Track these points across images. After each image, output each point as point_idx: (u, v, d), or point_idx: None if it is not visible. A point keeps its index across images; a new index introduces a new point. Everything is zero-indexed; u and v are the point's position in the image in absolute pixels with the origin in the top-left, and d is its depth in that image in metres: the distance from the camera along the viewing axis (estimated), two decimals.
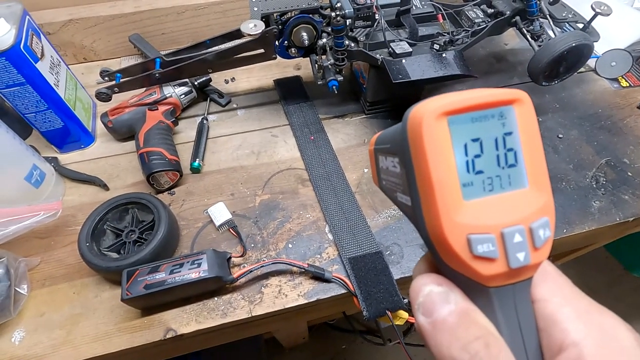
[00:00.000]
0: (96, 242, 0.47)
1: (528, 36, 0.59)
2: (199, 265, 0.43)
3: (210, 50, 0.57)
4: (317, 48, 0.55)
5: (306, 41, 0.54)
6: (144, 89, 0.62)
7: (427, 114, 0.17)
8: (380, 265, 0.49)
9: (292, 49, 0.56)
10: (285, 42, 0.55)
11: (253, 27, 0.48)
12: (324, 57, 0.55)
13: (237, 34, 0.58)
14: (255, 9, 0.52)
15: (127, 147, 0.62)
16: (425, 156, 0.17)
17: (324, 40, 0.53)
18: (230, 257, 0.47)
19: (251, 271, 0.46)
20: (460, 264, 0.17)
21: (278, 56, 0.58)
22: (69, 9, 0.69)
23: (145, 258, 0.45)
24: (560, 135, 0.64)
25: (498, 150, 0.18)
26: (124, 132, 0.61)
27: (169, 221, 0.48)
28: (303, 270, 0.47)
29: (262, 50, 0.57)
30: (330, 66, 0.53)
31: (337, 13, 0.49)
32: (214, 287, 0.45)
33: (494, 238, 0.17)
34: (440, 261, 0.18)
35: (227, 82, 0.72)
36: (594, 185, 0.58)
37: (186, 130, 0.64)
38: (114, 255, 0.48)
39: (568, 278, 0.20)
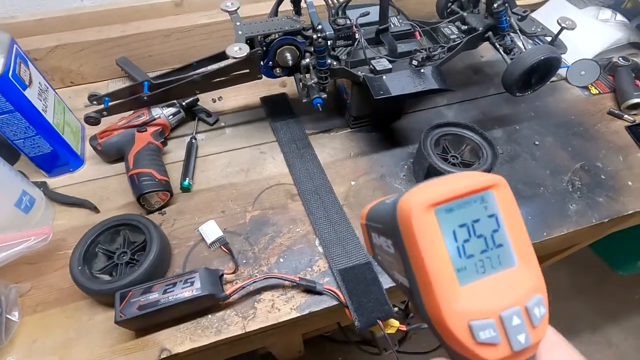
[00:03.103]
0: (88, 265, 0.47)
1: (501, 50, 0.62)
2: (192, 283, 0.44)
3: (197, 72, 0.59)
4: (301, 67, 0.57)
5: (290, 61, 0.56)
6: (132, 112, 0.63)
7: (415, 207, 0.18)
8: (370, 275, 0.50)
9: (277, 69, 0.58)
10: (270, 62, 0.57)
11: (238, 50, 0.50)
12: (307, 75, 0.58)
13: (224, 55, 0.59)
14: (240, 32, 0.54)
15: (116, 169, 0.63)
16: (418, 247, 0.18)
17: (307, 59, 0.55)
18: (222, 274, 0.48)
19: (243, 287, 0.47)
20: (464, 350, 0.18)
21: (263, 76, 0.59)
22: (56, 35, 0.70)
23: (137, 279, 0.45)
24: (536, 142, 0.67)
25: (485, 233, 0.19)
26: (113, 154, 0.61)
27: (161, 241, 0.49)
28: (295, 283, 0.48)
29: (247, 71, 0.58)
30: (314, 84, 0.55)
31: (319, 35, 0.51)
32: (208, 305, 0.46)
33: (494, 323, 0.18)
34: (443, 344, 0.19)
35: (214, 101, 0.73)
36: (570, 189, 0.60)
37: (175, 150, 0.65)
38: (106, 277, 0.48)
39: (574, 348, 0.21)
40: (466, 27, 0.64)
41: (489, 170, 0.56)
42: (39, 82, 0.57)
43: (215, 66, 0.59)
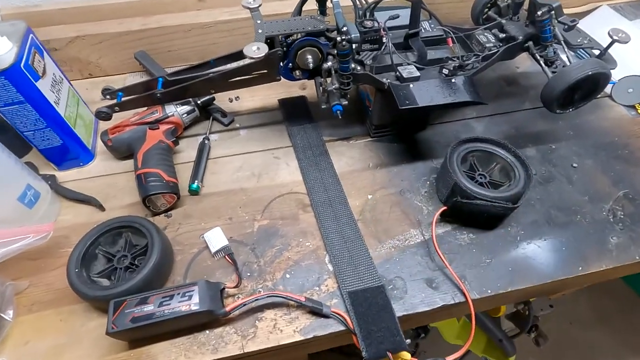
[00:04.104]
0: (86, 267, 0.45)
1: (541, 62, 0.57)
2: (190, 297, 0.41)
3: (213, 70, 0.56)
4: (322, 71, 0.53)
5: (311, 64, 0.52)
6: (145, 108, 0.61)
7: None
8: (382, 300, 0.46)
9: (297, 71, 0.55)
10: (290, 64, 0.54)
11: (256, 50, 0.47)
12: (329, 80, 0.54)
13: (242, 54, 0.56)
14: (260, 31, 0.51)
15: (126, 166, 0.61)
16: None
17: (329, 63, 0.52)
18: (224, 288, 0.45)
19: (245, 304, 0.43)
20: None
21: (282, 78, 0.56)
22: (77, 26, 0.69)
23: (135, 287, 0.43)
24: (574, 165, 0.61)
25: None
26: (123, 151, 0.60)
27: (163, 247, 0.46)
28: (300, 304, 0.45)
29: (266, 71, 0.55)
30: (334, 90, 0.52)
31: (343, 37, 0.47)
32: (205, 320, 0.43)
33: None
34: None
35: (231, 100, 0.71)
36: (611, 220, 0.54)
37: (187, 150, 0.63)
38: (105, 281, 0.46)
39: None
40: (504, 35, 0.59)
41: (521, 194, 0.51)
42: (54, 73, 0.55)
43: (232, 65, 0.56)
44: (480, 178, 0.54)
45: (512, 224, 0.54)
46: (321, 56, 0.53)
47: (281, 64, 0.55)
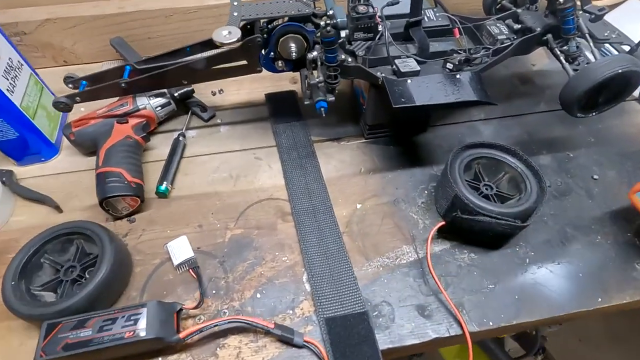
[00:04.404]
0: (28, 279, 0.40)
1: (562, 58, 0.50)
2: (136, 322, 0.35)
3: (186, 59, 0.50)
4: (307, 61, 0.47)
5: (294, 54, 0.46)
6: (117, 98, 0.55)
7: None
8: (365, 330, 0.40)
9: (279, 62, 0.48)
10: (272, 53, 0.48)
11: (227, 34, 0.40)
12: (315, 73, 0.47)
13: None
14: (235, 13, 0.44)
15: (92, 163, 0.55)
16: None
17: (315, 53, 0.45)
18: (181, 309, 0.39)
19: (202, 331, 0.37)
20: None
21: (264, 69, 0.50)
22: (48, 8, 0.64)
23: (77, 305, 0.37)
24: (595, 176, 0.53)
25: None
26: (88, 146, 0.54)
27: (116, 258, 0.41)
28: (268, 331, 0.39)
29: (245, 62, 0.49)
30: (319, 84, 0.45)
31: (327, 22, 0.40)
32: (155, 348, 0.37)
33: None
34: None
35: (214, 94, 0.65)
36: (637, 242, 0.47)
37: (160, 147, 0.57)
38: (50, 296, 0.41)
39: None
40: (519, 26, 0.52)
41: (532, 210, 0.44)
42: (10, 58, 0.50)
43: (208, 54, 0.50)
44: (486, 189, 0.47)
45: (521, 243, 0.47)
46: (307, 45, 0.46)
47: (262, 52, 0.48)
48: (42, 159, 0.55)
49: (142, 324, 0.35)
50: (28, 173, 0.54)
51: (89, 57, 0.69)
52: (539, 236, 0.47)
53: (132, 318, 0.35)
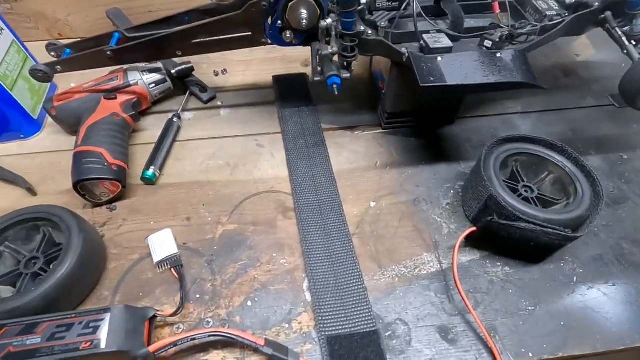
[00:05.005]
0: None
1: (624, 39, 0.42)
2: (95, 330, 0.29)
3: (181, 28, 0.44)
4: (319, 32, 0.40)
5: (305, 21, 0.39)
6: (107, 72, 0.50)
7: None
8: (374, 353, 0.32)
9: (288, 32, 0.42)
10: (279, 21, 0.41)
11: None
12: (329, 46, 0.40)
13: (220, 9, 0.44)
14: None
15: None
16: None
17: (329, 20, 0.38)
18: (154, 316, 0.32)
19: (177, 344, 0.31)
20: None
21: (269, 41, 0.43)
22: None
23: (32, 305, 0.31)
24: None
25: None
26: (71, 123, 0.48)
27: (85, 251, 0.35)
28: (257, 349, 0.32)
29: (248, 32, 0.42)
30: (331, 56, 0.38)
31: None
32: None
33: None
34: None
35: (216, 74, 0.59)
36: None
37: (153, 129, 0.51)
38: (7, 289, 0.35)
39: None
40: (572, 1, 0.44)
41: (585, 218, 0.36)
42: None
43: (205, 22, 0.43)
44: (525, 191, 0.39)
45: (567, 258, 0.39)
46: (320, 12, 0.39)
47: (268, 21, 0.42)
48: (22, 136, 0.49)
49: (103, 333, 0.29)
50: (5, 151, 0.49)
51: (86, 31, 0.64)
52: (589, 251, 0.40)
53: (91, 325, 0.29)
